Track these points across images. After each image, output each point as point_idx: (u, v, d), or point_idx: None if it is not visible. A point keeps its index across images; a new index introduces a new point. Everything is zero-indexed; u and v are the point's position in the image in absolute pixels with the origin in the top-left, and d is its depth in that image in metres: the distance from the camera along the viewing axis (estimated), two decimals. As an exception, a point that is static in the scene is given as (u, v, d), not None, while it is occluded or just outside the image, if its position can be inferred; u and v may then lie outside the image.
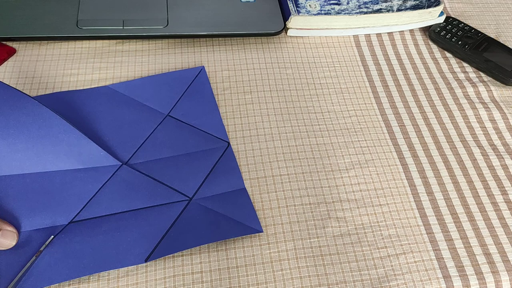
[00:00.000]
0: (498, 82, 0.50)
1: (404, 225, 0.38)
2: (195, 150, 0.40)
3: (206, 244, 0.36)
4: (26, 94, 0.36)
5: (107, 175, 0.38)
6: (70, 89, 0.44)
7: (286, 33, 0.51)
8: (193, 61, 0.48)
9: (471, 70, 0.51)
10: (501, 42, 0.53)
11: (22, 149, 0.36)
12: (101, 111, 0.42)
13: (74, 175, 0.38)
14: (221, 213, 0.37)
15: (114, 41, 0.48)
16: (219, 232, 0.35)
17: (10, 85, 0.44)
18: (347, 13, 0.51)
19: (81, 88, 0.44)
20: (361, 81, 0.48)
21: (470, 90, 0.49)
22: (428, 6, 0.52)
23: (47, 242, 0.35)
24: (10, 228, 0.34)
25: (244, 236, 0.36)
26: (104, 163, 0.38)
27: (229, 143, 0.41)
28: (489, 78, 0.50)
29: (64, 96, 0.43)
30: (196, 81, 0.45)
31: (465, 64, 0.51)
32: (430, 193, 0.41)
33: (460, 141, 0.44)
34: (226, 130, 0.43)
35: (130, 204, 0.37)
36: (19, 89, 0.44)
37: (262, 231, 0.36)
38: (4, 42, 0.46)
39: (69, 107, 0.42)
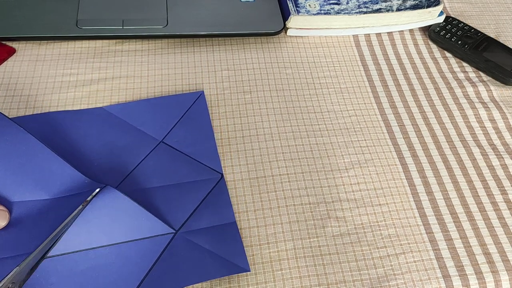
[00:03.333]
0: (497, 82, 0.50)
1: (404, 225, 0.38)
2: (187, 181, 0.39)
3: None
4: (10, 119, 0.35)
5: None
6: (69, 89, 0.44)
7: (285, 33, 0.51)
8: (193, 61, 0.48)
9: (471, 70, 0.51)
10: (501, 42, 0.53)
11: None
12: (93, 133, 0.41)
13: (54, 203, 0.35)
14: (207, 249, 0.35)
15: (114, 41, 0.48)
16: (204, 272, 0.34)
17: (10, 85, 0.44)
18: (347, 13, 0.51)
19: (81, 87, 0.44)
20: (360, 81, 0.48)
21: (470, 90, 0.49)
22: (428, 6, 0.52)
23: (94, 193, 0.34)
24: (0, 207, 0.33)
25: (242, 236, 0.37)
26: (88, 188, 0.36)
27: (222, 175, 0.39)
28: (489, 78, 0.50)
29: (56, 116, 0.42)
30: (194, 107, 0.43)
31: (464, 64, 0.51)
32: (429, 192, 0.41)
33: (460, 140, 0.44)
34: (226, 130, 0.43)
35: (111, 236, 0.34)
36: (19, 89, 0.44)
37: (250, 270, 0.34)
38: (4, 42, 0.47)
39: (60, 128, 0.41)
